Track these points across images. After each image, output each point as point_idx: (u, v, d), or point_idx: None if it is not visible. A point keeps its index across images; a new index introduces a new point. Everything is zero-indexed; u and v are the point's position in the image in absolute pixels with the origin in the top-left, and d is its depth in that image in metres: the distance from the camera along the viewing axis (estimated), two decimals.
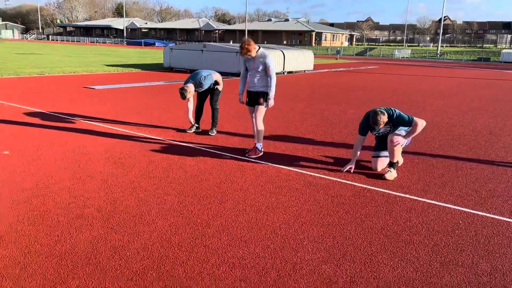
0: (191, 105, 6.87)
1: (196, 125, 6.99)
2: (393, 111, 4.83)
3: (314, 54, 24.33)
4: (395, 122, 4.80)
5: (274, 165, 5.29)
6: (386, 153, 5.07)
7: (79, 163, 5.04)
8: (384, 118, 4.66)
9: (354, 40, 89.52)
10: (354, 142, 5.34)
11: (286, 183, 4.62)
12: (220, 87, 6.81)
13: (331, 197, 4.26)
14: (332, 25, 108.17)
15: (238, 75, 18.05)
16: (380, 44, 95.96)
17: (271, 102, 5.56)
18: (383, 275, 2.87)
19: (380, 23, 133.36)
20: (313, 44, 70.55)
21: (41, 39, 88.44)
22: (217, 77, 6.75)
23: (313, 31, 73.57)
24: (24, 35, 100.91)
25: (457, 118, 9.21)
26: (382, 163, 5.13)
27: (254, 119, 5.71)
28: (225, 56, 18.36)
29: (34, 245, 3.06)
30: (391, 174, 4.90)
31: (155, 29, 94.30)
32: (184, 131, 6.97)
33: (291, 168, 5.17)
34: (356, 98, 12.24)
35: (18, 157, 5.18)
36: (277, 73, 19.88)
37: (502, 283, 2.82)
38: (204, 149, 5.94)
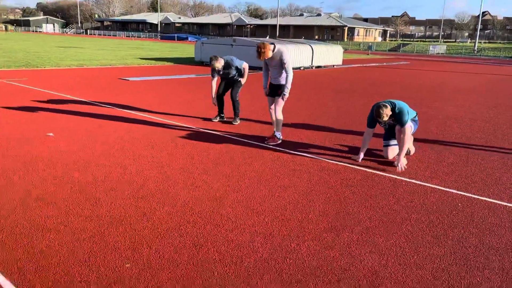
0: (214, 83, 7.24)
1: (221, 114, 7.43)
2: (396, 105, 5.08)
3: (346, 50, 24.44)
4: (397, 115, 5.05)
5: (290, 151, 5.67)
6: (395, 141, 5.35)
7: (114, 144, 5.58)
8: (387, 111, 4.94)
9: (388, 35, 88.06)
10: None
11: (299, 167, 5.00)
12: (243, 80, 7.21)
13: (341, 180, 4.61)
14: (366, 20, 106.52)
15: None
16: (415, 40, 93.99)
17: (285, 97, 5.90)
18: (377, 243, 3.21)
19: (417, 18, 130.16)
20: (345, 39, 69.95)
21: (80, 33, 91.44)
22: (245, 66, 7.15)
23: (346, 26, 72.90)
24: (64, 29, 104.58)
25: (480, 113, 9.29)
26: (392, 151, 5.41)
27: (273, 109, 6.08)
28: (254, 50, 18.77)
29: (76, 209, 3.57)
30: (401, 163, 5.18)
31: (188, 23, 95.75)
32: (210, 120, 7.43)
33: (306, 155, 5.54)
34: (379, 92, 12.40)
35: (61, 139, 5.77)
36: (305, 68, 20.17)
37: (486, 254, 3.12)
38: (227, 136, 6.37)
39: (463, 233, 3.45)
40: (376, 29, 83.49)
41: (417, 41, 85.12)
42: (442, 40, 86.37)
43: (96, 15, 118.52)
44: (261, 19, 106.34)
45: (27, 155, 4.96)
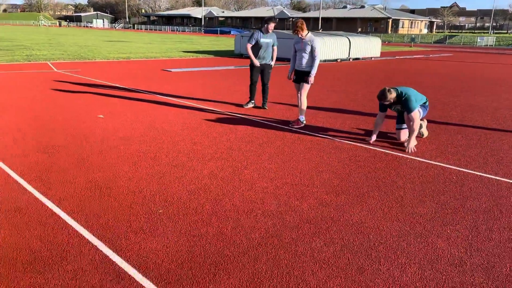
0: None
1: (252, 101, 8.09)
2: (403, 92, 5.51)
3: (389, 42, 24.39)
4: (403, 102, 5.49)
5: (311, 133, 6.25)
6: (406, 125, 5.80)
7: (153, 123, 6.37)
8: (391, 96, 5.39)
9: (434, 27, 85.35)
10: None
11: (316, 146, 5.58)
12: (272, 63, 7.86)
13: (350, 156, 5.16)
14: (412, 11, 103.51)
15: None
16: (464, 31, 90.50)
17: (311, 79, 6.47)
18: (369, 203, 3.78)
19: (467, 9, 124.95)
20: (389, 32, 68.63)
21: (127, 28, 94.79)
22: (275, 49, 7.78)
23: (390, 18, 71.47)
24: (113, 24, 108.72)
25: (508, 103, 9.42)
26: (404, 134, 5.86)
27: (299, 94, 6.67)
28: (291, 43, 19.24)
29: (120, 172, 4.35)
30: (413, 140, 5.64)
31: (231, 17, 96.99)
32: (241, 106, 8.10)
33: (324, 136, 6.11)
34: (410, 82, 12.62)
35: (109, 120, 6.64)
36: (342, 59, 20.45)
37: (462, 215, 3.60)
38: (255, 119, 7.03)
39: (448, 199, 3.93)
40: (422, 20, 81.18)
41: (466, 32, 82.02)
42: (493, 31, 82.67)
43: (143, 10, 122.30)
44: (304, 12, 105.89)
45: (82, 132, 5.85)
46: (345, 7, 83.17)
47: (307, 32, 6.43)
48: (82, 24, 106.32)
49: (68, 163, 4.54)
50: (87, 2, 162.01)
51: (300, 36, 6.39)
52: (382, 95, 5.46)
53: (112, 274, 2.60)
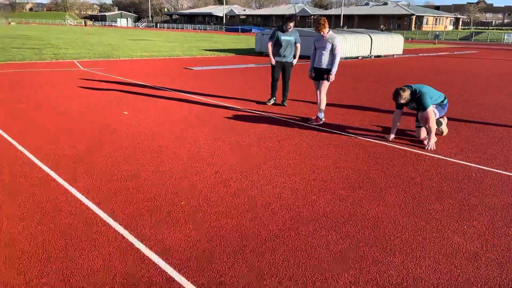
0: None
1: (274, 97, 8.18)
2: (417, 89, 5.51)
3: (412, 39, 24.08)
4: (417, 100, 5.49)
5: (329, 130, 6.31)
6: None
7: (175, 120, 6.54)
8: (405, 95, 5.41)
9: (460, 23, 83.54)
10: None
11: (334, 142, 5.64)
12: (294, 61, 7.91)
13: (369, 153, 5.20)
14: (437, 8, 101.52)
15: None
16: (490, 28, 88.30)
17: (332, 77, 6.52)
18: (385, 199, 3.83)
19: (495, 5, 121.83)
20: (413, 29, 67.57)
21: (150, 27, 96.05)
22: (298, 46, 7.88)
23: (413, 14, 70.34)
24: (136, 23, 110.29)
25: None
26: (424, 132, 5.86)
27: (318, 92, 6.73)
28: (311, 41, 19.22)
29: (144, 166, 4.52)
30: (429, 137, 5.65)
31: (252, 15, 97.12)
32: (264, 103, 8.21)
33: (343, 133, 6.16)
34: (429, 81, 12.49)
35: (133, 116, 6.84)
36: (363, 57, 20.33)
37: (480, 211, 3.62)
38: (275, 116, 7.13)
39: (466, 196, 3.95)
40: (447, 17, 79.58)
41: (493, 29, 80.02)
42: None
43: (166, 9, 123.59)
44: (326, 9, 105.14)
45: (109, 127, 6.06)
46: (367, 4, 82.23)
47: (328, 30, 6.48)
48: (107, 23, 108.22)
49: (94, 157, 4.74)
50: (112, 1, 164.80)
51: (322, 33, 6.44)
52: (397, 95, 5.48)
53: (136, 260, 2.75)
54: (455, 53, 27.17)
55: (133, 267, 2.68)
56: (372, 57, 20.87)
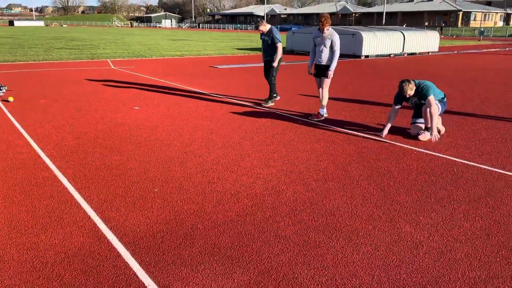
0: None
1: (274, 94, 8.13)
2: (421, 83, 5.49)
3: (457, 36, 23.30)
4: (420, 93, 5.46)
5: (328, 125, 6.38)
6: (422, 120, 5.75)
7: (181, 115, 6.83)
8: (410, 86, 5.39)
9: None
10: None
11: (326, 138, 5.72)
12: (274, 64, 7.66)
13: (357, 148, 5.25)
14: (489, 3, 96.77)
15: (352, 56, 18.68)
16: None
17: (331, 74, 6.57)
18: (353, 191, 3.90)
19: None
20: (459, 25, 65.00)
21: (193, 27, 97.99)
22: (279, 46, 7.56)
23: (460, 10, 67.64)
24: (180, 24, 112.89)
25: None
26: (419, 128, 5.80)
27: (321, 89, 6.80)
28: (341, 38, 19.04)
29: (134, 156, 4.81)
30: (425, 136, 5.60)
31: (293, 14, 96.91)
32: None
33: (339, 129, 6.21)
34: (456, 78, 12.13)
35: (143, 111, 7.20)
36: (396, 55, 19.93)
37: (444, 204, 3.63)
38: (278, 112, 7.27)
39: (437, 189, 3.95)
40: (497, 12, 75.90)
41: None
42: None
43: (208, 10, 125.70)
44: (370, 6, 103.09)
45: (116, 121, 6.44)
46: (411, 0, 79.93)
47: (328, 26, 6.53)
48: (152, 24, 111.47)
49: (92, 147, 5.09)
50: (158, 3, 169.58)
51: (322, 30, 6.50)
52: (405, 86, 5.47)
53: (94, 238, 3.02)
54: (498, 50, 25.99)
55: (89, 243, 2.95)
56: (405, 55, 20.40)
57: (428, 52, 21.69)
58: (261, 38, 7.82)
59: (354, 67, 15.02)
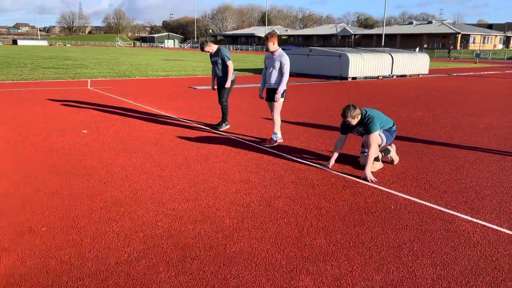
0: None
1: (226, 122, 7.59)
2: (367, 113, 5.05)
3: (455, 58, 23.11)
4: (365, 124, 5.03)
5: (276, 152, 5.96)
6: None
7: (125, 138, 6.44)
8: (353, 114, 4.94)
9: (511, 42, 79.61)
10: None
11: (269, 166, 5.29)
12: (227, 85, 7.30)
13: (297, 178, 4.81)
14: (490, 26, 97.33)
15: (339, 78, 18.39)
16: None
17: (278, 97, 6.16)
18: (278, 227, 3.46)
19: None
20: (458, 47, 65.09)
21: (195, 47, 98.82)
22: (230, 64, 7.21)
23: (459, 33, 67.86)
24: (182, 44, 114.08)
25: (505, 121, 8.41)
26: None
27: (272, 113, 6.40)
28: (328, 59, 18.83)
29: (64, 188, 4.40)
30: (374, 166, 5.17)
31: (294, 35, 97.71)
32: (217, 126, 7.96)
33: (287, 156, 5.79)
34: (440, 102, 11.74)
35: (90, 134, 6.82)
36: (384, 77, 19.67)
37: (366, 243, 3.18)
38: (232, 137, 6.86)
39: (362, 231, 3.50)
40: (497, 35, 76.15)
41: None
42: None
43: (211, 30, 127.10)
44: (371, 28, 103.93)
45: (50, 146, 6.05)
46: (411, 23, 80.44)
47: (278, 48, 6.19)
48: (155, 44, 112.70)
49: (10, 171, 4.69)
50: (162, 23, 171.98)
51: (270, 50, 6.16)
52: (347, 109, 5.01)
53: None
54: (493, 72, 25.71)
55: None
56: (394, 77, 20.11)
57: (418, 74, 21.42)
58: (211, 61, 7.45)
59: (337, 88, 14.69)
